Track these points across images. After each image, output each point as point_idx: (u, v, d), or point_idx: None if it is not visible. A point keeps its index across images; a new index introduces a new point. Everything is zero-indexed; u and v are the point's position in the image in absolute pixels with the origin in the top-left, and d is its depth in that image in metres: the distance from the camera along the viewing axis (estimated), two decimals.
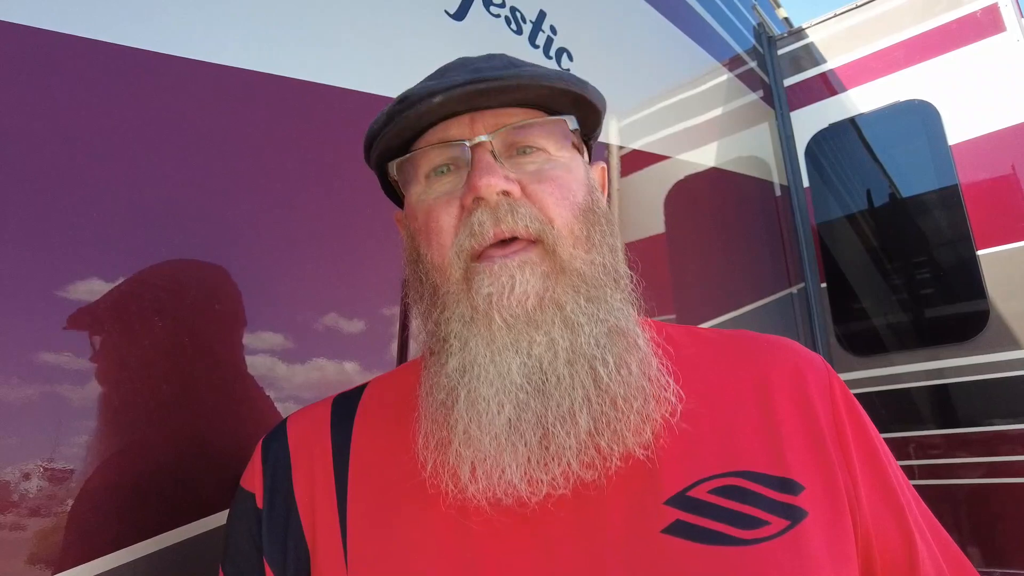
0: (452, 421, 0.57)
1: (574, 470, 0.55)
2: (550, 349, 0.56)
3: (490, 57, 0.68)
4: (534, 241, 0.59)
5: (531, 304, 0.56)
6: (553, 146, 0.63)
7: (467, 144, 0.60)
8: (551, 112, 0.65)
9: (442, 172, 0.63)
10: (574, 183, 0.63)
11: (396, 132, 0.63)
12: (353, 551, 0.59)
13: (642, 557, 0.54)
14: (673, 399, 0.60)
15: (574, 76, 0.65)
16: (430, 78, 0.67)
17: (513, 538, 0.56)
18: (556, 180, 0.61)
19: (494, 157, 0.60)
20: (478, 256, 0.59)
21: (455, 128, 0.62)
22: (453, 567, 0.56)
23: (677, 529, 0.55)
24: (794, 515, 0.56)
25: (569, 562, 0.54)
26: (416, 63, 1.16)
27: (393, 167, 0.66)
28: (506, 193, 0.58)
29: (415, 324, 0.66)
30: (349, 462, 0.64)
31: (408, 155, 0.65)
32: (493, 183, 0.57)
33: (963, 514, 2.44)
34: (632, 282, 0.65)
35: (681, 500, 0.56)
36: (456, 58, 0.70)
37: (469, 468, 0.55)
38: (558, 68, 1.53)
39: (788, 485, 0.57)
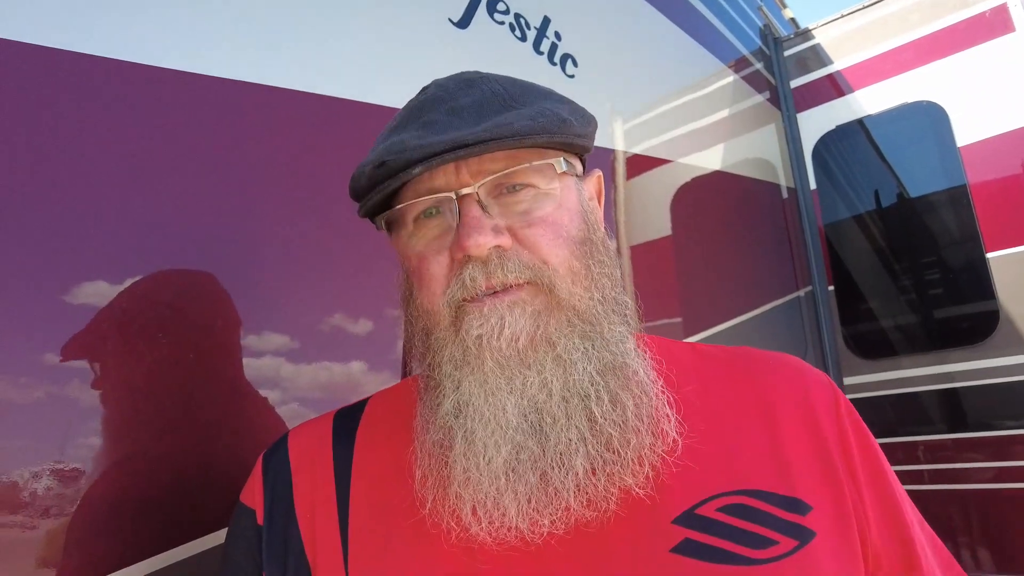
0: (451, 461, 0.57)
1: (573, 510, 0.55)
2: (543, 389, 0.56)
3: (469, 85, 0.64)
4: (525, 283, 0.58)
5: (522, 344, 0.56)
6: (542, 181, 0.62)
7: (453, 196, 0.59)
8: (537, 146, 0.62)
9: (430, 215, 0.62)
10: (566, 217, 0.61)
11: (381, 195, 0.61)
12: (355, 573, 0.59)
13: None
14: (673, 433, 0.59)
15: (558, 117, 0.61)
16: (406, 119, 0.64)
17: (519, 569, 0.56)
18: (546, 220, 0.60)
19: (481, 207, 0.58)
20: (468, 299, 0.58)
21: (440, 177, 0.60)
22: None
23: (686, 548, 0.54)
24: (803, 535, 0.55)
25: None
26: (420, 73, 1.15)
27: (381, 222, 0.66)
28: (497, 246, 0.57)
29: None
30: (351, 481, 0.64)
31: (395, 209, 0.63)
32: (482, 242, 0.56)
33: (973, 519, 2.42)
34: (632, 310, 0.65)
35: (689, 518, 0.56)
36: (431, 83, 0.67)
37: (470, 509, 0.55)
38: (562, 73, 1.53)
39: (796, 505, 0.57)
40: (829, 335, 2.81)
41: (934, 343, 2.61)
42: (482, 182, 0.59)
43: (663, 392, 0.61)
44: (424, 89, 0.68)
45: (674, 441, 0.59)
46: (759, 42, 2.99)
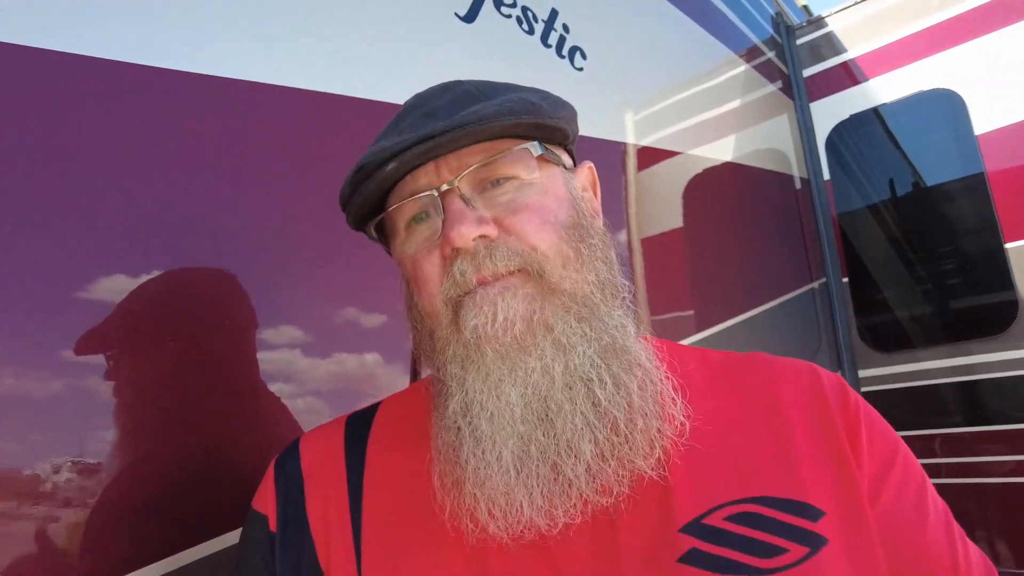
0: (462, 461, 0.56)
1: (588, 498, 0.55)
2: (546, 375, 0.56)
3: (444, 90, 0.66)
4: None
5: (519, 329, 0.56)
6: (524, 171, 0.62)
7: (435, 193, 0.60)
8: (516, 136, 0.63)
9: (420, 219, 0.63)
10: (552, 203, 0.62)
11: (364, 199, 0.63)
12: None
13: None
14: (681, 417, 0.59)
15: (526, 102, 0.62)
16: (386, 131, 0.66)
17: (531, 573, 0.55)
18: (532, 207, 0.60)
19: (464, 201, 0.59)
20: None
21: (422, 177, 0.62)
22: None
23: (693, 558, 0.54)
24: (814, 542, 0.54)
25: None
26: (427, 68, 1.15)
27: (371, 229, 0.67)
28: (483, 236, 0.58)
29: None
30: (363, 487, 0.64)
31: (381, 215, 0.65)
32: (465, 232, 0.57)
33: (992, 513, 2.39)
34: (631, 294, 0.64)
35: (696, 528, 0.55)
36: (412, 96, 0.69)
37: (486, 509, 0.55)
38: (571, 66, 1.51)
39: (806, 511, 0.56)
40: (843, 328, 2.77)
41: (951, 335, 2.57)
42: (462, 175, 0.60)
43: (668, 378, 0.61)
44: (405, 103, 0.69)
45: (682, 425, 0.58)
46: (771, 30, 2.95)
